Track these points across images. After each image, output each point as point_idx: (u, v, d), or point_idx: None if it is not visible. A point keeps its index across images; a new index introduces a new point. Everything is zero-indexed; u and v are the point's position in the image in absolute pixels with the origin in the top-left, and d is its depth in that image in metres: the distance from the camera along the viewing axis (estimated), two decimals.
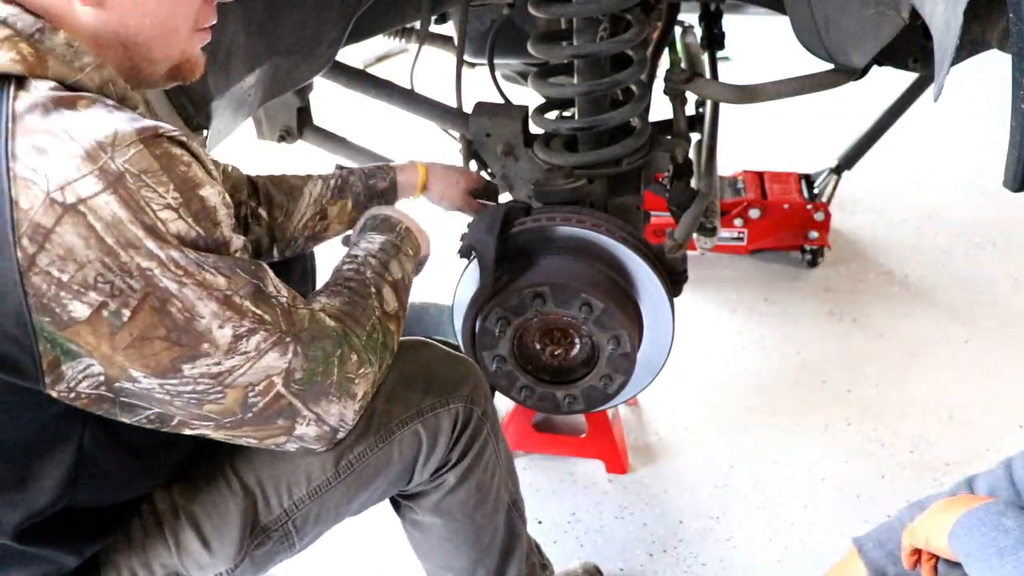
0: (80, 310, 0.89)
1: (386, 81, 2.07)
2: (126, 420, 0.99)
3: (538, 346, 1.69)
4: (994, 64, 1.34)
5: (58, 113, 0.88)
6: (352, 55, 2.41)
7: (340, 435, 1.11)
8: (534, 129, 1.86)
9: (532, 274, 1.62)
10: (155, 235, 0.90)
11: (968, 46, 1.14)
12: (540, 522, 1.92)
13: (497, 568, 1.39)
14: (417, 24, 2.20)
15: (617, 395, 1.69)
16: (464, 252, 1.63)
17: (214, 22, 1.10)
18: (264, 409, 1.02)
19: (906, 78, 2.34)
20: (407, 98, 2.03)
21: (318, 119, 2.27)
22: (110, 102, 0.94)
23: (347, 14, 1.69)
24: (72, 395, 0.94)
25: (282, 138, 2.22)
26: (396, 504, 1.35)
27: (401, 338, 1.23)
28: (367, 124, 2.86)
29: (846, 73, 1.67)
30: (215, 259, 0.95)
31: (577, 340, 1.68)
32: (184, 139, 0.95)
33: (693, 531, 1.89)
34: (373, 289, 1.19)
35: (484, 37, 2.13)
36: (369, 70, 2.61)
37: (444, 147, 2.12)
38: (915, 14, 1.25)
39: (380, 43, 3.17)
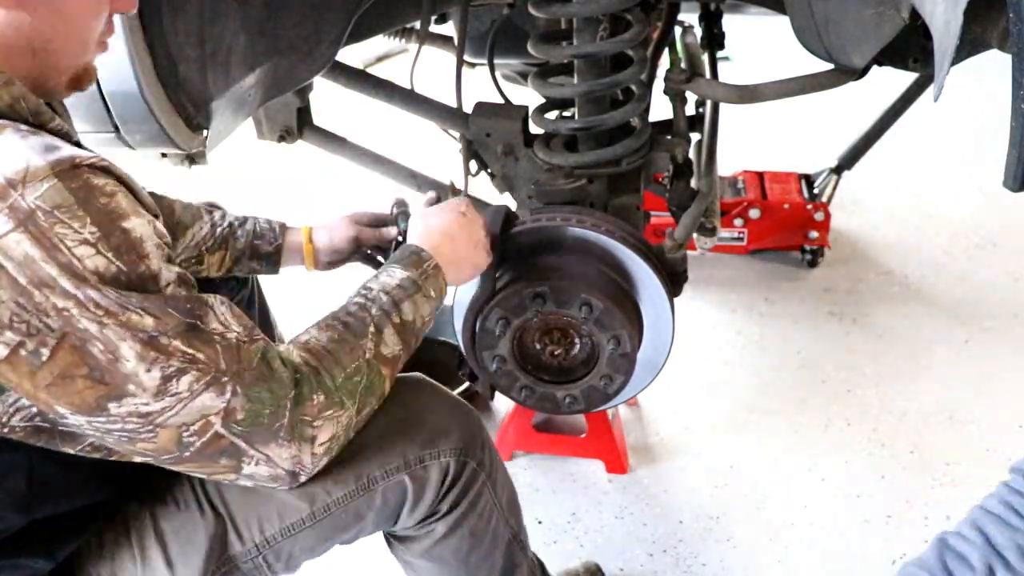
0: None
1: (386, 81, 2.07)
2: (69, 450, 0.98)
3: (538, 346, 1.69)
4: (994, 64, 1.34)
5: None
6: (352, 55, 2.41)
7: (301, 478, 1.05)
8: (534, 129, 1.86)
9: (532, 274, 1.62)
10: (71, 273, 0.86)
11: (968, 46, 1.14)
12: (540, 522, 1.92)
13: None
14: (417, 24, 2.20)
15: (617, 395, 1.69)
16: None
17: (112, 36, 1.07)
18: (203, 448, 0.97)
19: (906, 78, 2.34)
20: (407, 98, 2.02)
21: (318, 119, 2.27)
22: (23, 127, 0.90)
23: (347, 14, 1.69)
24: (6, 429, 0.93)
25: (282, 138, 2.22)
26: (388, 542, 1.32)
27: (400, 376, 1.17)
28: (367, 124, 2.86)
29: (846, 73, 1.67)
30: (140, 298, 0.90)
31: (577, 340, 1.68)
32: (108, 166, 0.91)
33: (693, 531, 1.89)
34: (372, 329, 1.12)
35: (484, 37, 2.13)
36: (369, 70, 2.61)
37: (444, 147, 2.12)
38: (915, 14, 1.25)
39: (380, 43, 3.17)
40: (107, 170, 0.91)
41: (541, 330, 1.68)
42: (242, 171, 3.27)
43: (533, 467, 2.07)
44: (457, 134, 1.95)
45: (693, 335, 2.45)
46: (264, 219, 1.57)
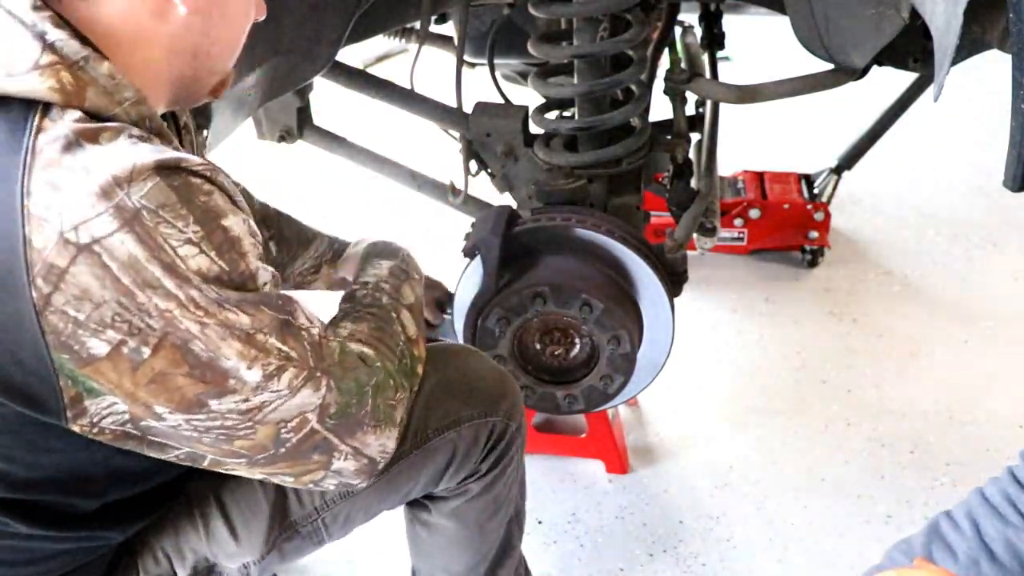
0: (99, 347, 0.87)
1: (386, 81, 2.07)
2: (156, 456, 0.98)
3: (538, 346, 1.69)
4: (994, 64, 1.34)
5: (79, 147, 0.85)
6: (352, 55, 2.41)
7: (381, 466, 1.08)
8: (534, 129, 1.86)
9: (532, 274, 1.62)
10: (174, 273, 0.87)
11: (968, 46, 1.14)
12: (540, 522, 1.92)
13: (487, 574, 1.39)
14: (417, 24, 2.20)
15: (617, 395, 1.69)
16: (468, 252, 1.63)
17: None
18: (299, 444, 0.99)
19: (906, 78, 2.34)
20: (407, 98, 2.02)
21: (318, 119, 2.27)
22: (136, 132, 0.90)
23: (347, 14, 1.69)
24: (95, 431, 0.92)
25: (282, 138, 2.22)
26: (413, 505, 1.35)
27: (448, 344, 1.22)
28: (367, 124, 2.85)
29: (846, 73, 1.67)
30: (238, 297, 0.91)
31: (577, 340, 1.68)
32: (207, 172, 0.91)
33: (693, 531, 1.89)
34: (394, 314, 1.17)
35: (484, 37, 2.13)
36: (369, 70, 2.61)
37: (444, 147, 2.12)
38: (915, 14, 1.25)
39: (380, 43, 3.17)
40: (205, 175, 0.91)
41: (541, 330, 1.68)
42: (242, 171, 3.26)
43: (533, 467, 2.05)
44: (457, 134, 1.95)
45: (693, 335, 2.45)
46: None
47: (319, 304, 1.18)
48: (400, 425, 1.09)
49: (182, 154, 0.90)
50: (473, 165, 1.91)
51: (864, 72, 1.67)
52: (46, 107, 0.87)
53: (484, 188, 2.00)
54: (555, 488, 2.02)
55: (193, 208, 0.88)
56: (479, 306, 1.62)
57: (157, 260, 0.86)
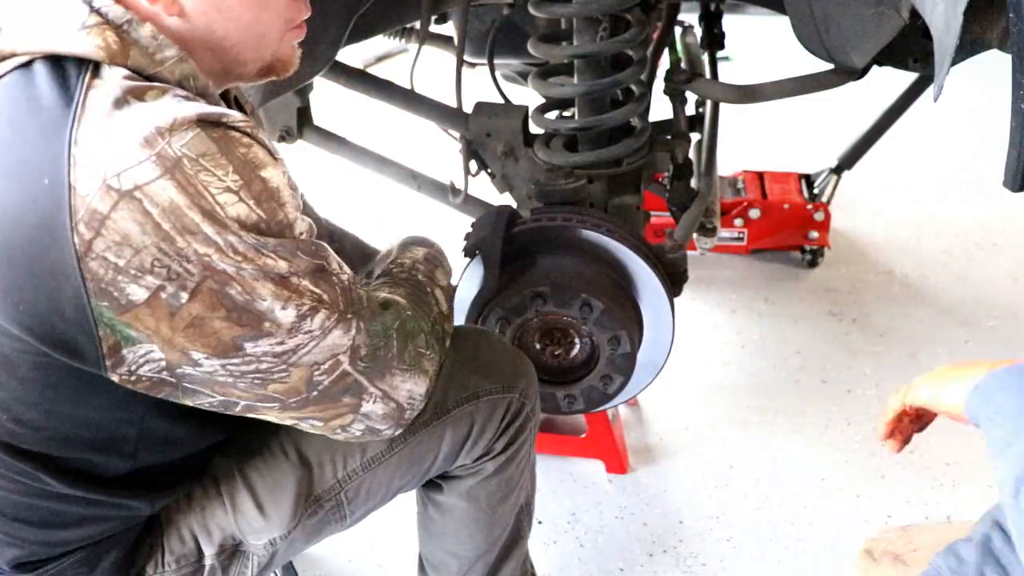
0: (138, 293, 0.89)
1: (386, 81, 2.07)
2: (189, 403, 1.00)
3: (538, 346, 1.69)
4: (994, 64, 1.34)
5: (126, 103, 0.89)
6: (352, 55, 2.41)
7: (408, 415, 1.11)
8: (534, 129, 1.87)
9: (532, 274, 1.62)
10: (213, 220, 0.89)
11: (968, 46, 1.14)
12: (540, 522, 1.92)
13: (495, 563, 1.41)
14: (417, 24, 2.20)
15: (617, 395, 1.69)
16: (468, 252, 1.63)
17: (307, 15, 1.09)
18: (331, 387, 1.02)
19: (906, 78, 2.34)
20: (407, 98, 2.02)
21: (318, 119, 2.27)
22: (181, 92, 0.93)
23: (347, 14, 1.69)
24: (133, 378, 0.95)
25: (282, 138, 2.22)
26: (427, 486, 1.36)
27: (466, 325, 1.24)
28: (367, 124, 2.86)
29: (846, 73, 1.68)
30: (275, 243, 0.94)
31: (577, 340, 1.68)
32: (247, 128, 0.94)
33: (693, 531, 1.89)
34: (428, 289, 1.21)
35: (484, 37, 2.13)
36: (369, 70, 2.61)
37: (444, 147, 2.12)
38: (915, 14, 1.25)
39: (380, 43, 3.17)
40: (245, 131, 0.93)
41: (541, 330, 1.68)
42: None
43: None
44: (457, 134, 1.95)
45: (693, 335, 2.45)
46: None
47: None
48: (431, 378, 1.12)
49: (224, 110, 0.93)
50: (473, 165, 1.91)
51: (864, 72, 1.67)
52: (96, 67, 0.91)
53: (484, 188, 2.00)
54: (555, 488, 2.02)
55: (232, 158, 0.90)
56: (479, 306, 1.62)
57: (197, 207, 0.88)
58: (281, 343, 0.96)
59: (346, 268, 1.04)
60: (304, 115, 2.22)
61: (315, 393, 1.02)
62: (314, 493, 1.18)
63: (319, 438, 1.14)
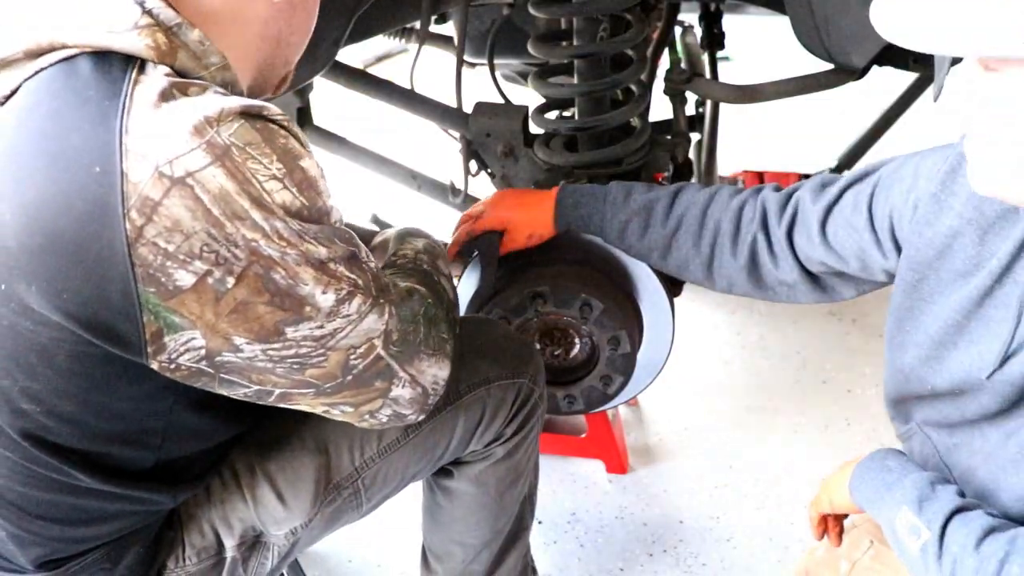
0: (185, 278, 0.90)
1: (386, 81, 2.07)
2: (224, 393, 1.02)
3: (538, 346, 1.69)
4: None
5: (172, 96, 0.91)
6: (352, 55, 2.41)
7: (431, 400, 1.13)
8: (534, 129, 1.86)
9: (532, 274, 1.62)
10: (261, 206, 0.92)
11: None
12: (540, 522, 1.92)
13: (499, 554, 1.42)
14: (417, 24, 2.20)
15: (617, 395, 1.69)
16: (467, 250, 1.63)
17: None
18: (364, 371, 1.05)
19: (906, 78, 2.34)
20: (407, 98, 2.03)
21: (318, 119, 2.27)
22: (220, 89, 0.96)
23: (347, 14, 1.69)
24: (172, 366, 0.96)
25: None
26: (438, 472, 1.38)
27: (473, 315, 1.28)
28: (367, 124, 2.86)
29: (846, 73, 1.68)
30: (316, 229, 0.97)
31: (577, 340, 1.68)
32: (284, 122, 0.97)
33: (693, 531, 1.90)
34: (435, 278, 1.23)
35: (484, 37, 2.13)
36: (369, 70, 2.61)
37: (444, 147, 2.12)
38: None
39: (380, 43, 3.18)
40: (281, 124, 0.96)
41: (541, 330, 1.68)
42: None
43: None
44: (457, 134, 1.95)
45: (693, 335, 2.45)
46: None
47: None
48: (451, 360, 1.14)
49: (265, 103, 0.96)
50: (473, 165, 1.91)
51: (864, 72, 1.67)
52: (142, 64, 0.93)
53: (484, 188, 2.00)
54: (555, 488, 2.02)
55: (275, 148, 0.93)
56: (477, 305, 1.62)
57: (246, 193, 0.91)
58: (320, 327, 0.98)
59: (373, 256, 1.07)
60: (304, 115, 2.22)
61: (350, 377, 1.04)
62: (333, 480, 1.20)
63: (336, 426, 1.15)
